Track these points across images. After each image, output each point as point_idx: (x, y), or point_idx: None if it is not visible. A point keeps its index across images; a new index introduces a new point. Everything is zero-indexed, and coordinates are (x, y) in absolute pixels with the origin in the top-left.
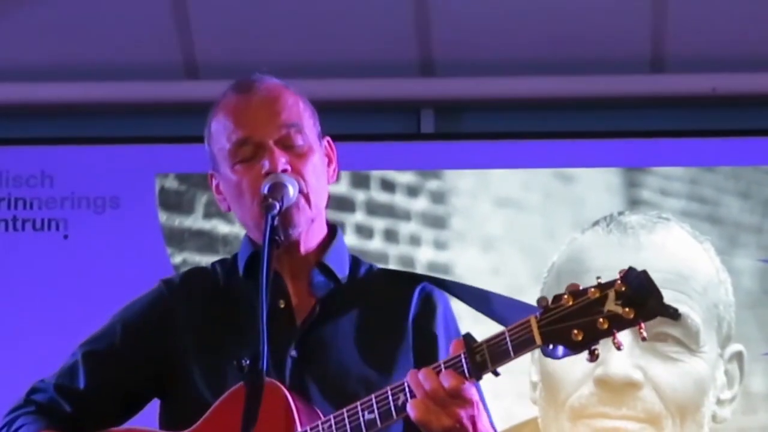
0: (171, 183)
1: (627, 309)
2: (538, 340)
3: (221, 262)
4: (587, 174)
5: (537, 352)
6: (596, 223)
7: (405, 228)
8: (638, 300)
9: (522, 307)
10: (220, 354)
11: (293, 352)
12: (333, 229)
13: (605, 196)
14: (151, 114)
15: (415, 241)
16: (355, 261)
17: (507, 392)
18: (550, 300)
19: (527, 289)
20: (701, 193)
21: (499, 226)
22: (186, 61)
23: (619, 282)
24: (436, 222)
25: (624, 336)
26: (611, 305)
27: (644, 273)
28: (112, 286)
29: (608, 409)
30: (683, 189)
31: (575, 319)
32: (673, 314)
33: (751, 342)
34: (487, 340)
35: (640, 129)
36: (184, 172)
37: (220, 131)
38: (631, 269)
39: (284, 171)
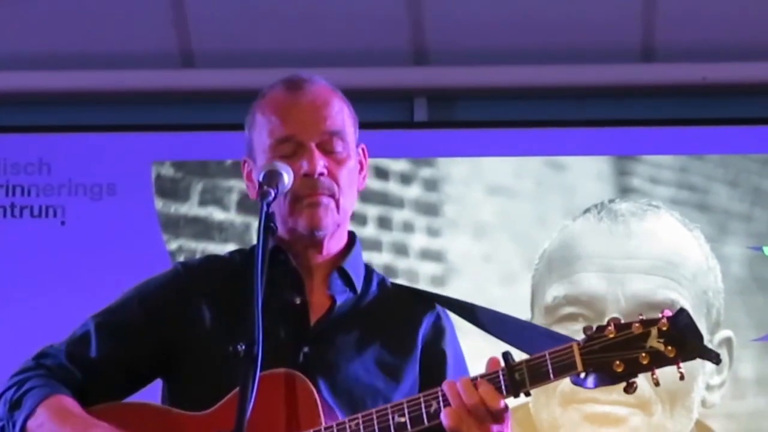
0: (167, 170)
1: (669, 347)
2: (579, 366)
3: (239, 251)
4: (578, 162)
5: None
6: (587, 210)
7: (398, 215)
8: (680, 340)
9: (535, 328)
10: (229, 340)
11: (305, 349)
12: (352, 237)
13: (596, 184)
14: (148, 102)
15: (408, 228)
16: (368, 271)
17: None
18: (594, 329)
19: (519, 275)
20: (691, 181)
21: (491, 214)
22: (182, 51)
23: (664, 320)
24: (429, 209)
25: None
26: (653, 342)
27: (687, 314)
28: (108, 272)
29: (598, 395)
30: (673, 177)
31: (617, 351)
32: (715, 358)
33: (740, 328)
34: (527, 361)
35: (630, 117)
36: (180, 159)
37: (264, 124)
38: (681, 310)
39: (321, 174)
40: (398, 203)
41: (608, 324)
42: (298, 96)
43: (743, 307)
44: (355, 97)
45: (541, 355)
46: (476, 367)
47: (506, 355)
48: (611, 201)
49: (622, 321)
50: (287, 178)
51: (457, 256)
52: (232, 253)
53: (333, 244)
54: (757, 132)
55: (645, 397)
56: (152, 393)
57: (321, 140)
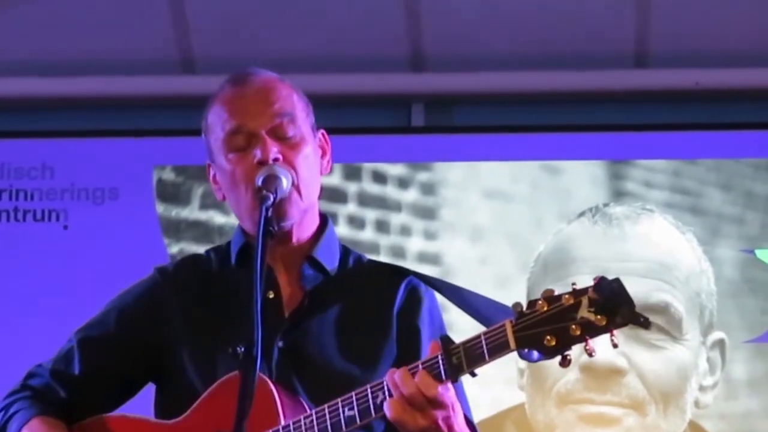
0: (168, 175)
1: (599, 316)
2: (512, 344)
3: (215, 249)
4: (573, 166)
5: None
6: (582, 214)
7: (396, 219)
8: (610, 307)
9: (506, 309)
10: (210, 341)
11: (280, 343)
12: (324, 220)
13: (591, 188)
14: (149, 108)
15: (405, 231)
16: (345, 251)
17: (495, 378)
18: (525, 305)
19: (514, 278)
20: (684, 185)
21: (487, 217)
22: (183, 57)
23: (591, 289)
24: (426, 213)
25: None
26: (584, 312)
27: (617, 281)
28: (110, 275)
29: (593, 395)
30: (666, 181)
31: (549, 325)
32: (644, 323)
33: (733, 330)
34: (464, 343)
35: (624, 123)
36: (181, 164)
37: (216, 122)
38: (603, 278)
39: (275, 160)
40: (396, 207)
41: (540, 298)
42: (243, 88)
43: (735, 309)
44: (354, 102)
45: (476, 337)
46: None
47: (444, 339)
48: (606, 205)
49: (556, 293)
50: (286, 182)
51: (454, 258)
52: (208, 251)
53: (302, 231)
54: (750, 137)
55: (639, 397)
56: (141, 401)
57: (271, 126)
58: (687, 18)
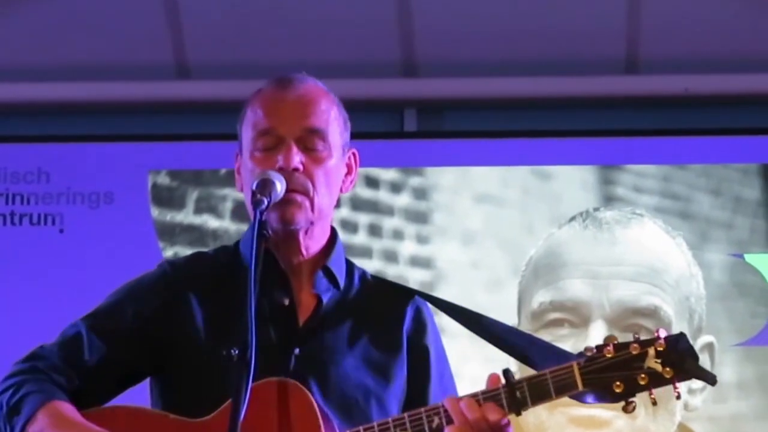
0: (163, 179)
1: (667, 368)
2: (579, 385)
3: (223, 249)
4: (564, 171)
5: None
6: (573, 218)
7: (388, 223)
8: (677, 360)
9: (505, 328)
10: (217, 340)
11: (297, 351)
12: (333, 233)
13: (581, 193)
14: (144, 113)
15: (398, 235)
16: (349, 266)
17: (485, 379)
18: (594, 349)
19: (506, 282)
20: (674, 189)
21: (479, 222)
22: (177, 62)
23: (661, 341)
24: (419, 217)
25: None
26: (651, 362)
27: (683, 336)
28: (106, 278)
29: None
30: (656, 186)
31: (616, 371)
32: (711, 379)
33: (722, 333)
34: (528, 379)
35: (614, 128)
36: (175, 168)
37: (251, 118)
38: (674, 334)
39: (296, 170)
40: (388, 211)
41: (606, 344)
42: (285, 92)
43: (724, 313)
44: (347, 107)
45: (542, 374)
46: (460, 368)
47: (507, 373)
48: (596, 209)
49: (619, 341)
50: (280, 186)
51: (446, 262)
52: (216, 250)
53: (312, 243)
54: (738, 142)
55: None
56: (138, 393)
57: (301, 136)
58: (677, 24)
